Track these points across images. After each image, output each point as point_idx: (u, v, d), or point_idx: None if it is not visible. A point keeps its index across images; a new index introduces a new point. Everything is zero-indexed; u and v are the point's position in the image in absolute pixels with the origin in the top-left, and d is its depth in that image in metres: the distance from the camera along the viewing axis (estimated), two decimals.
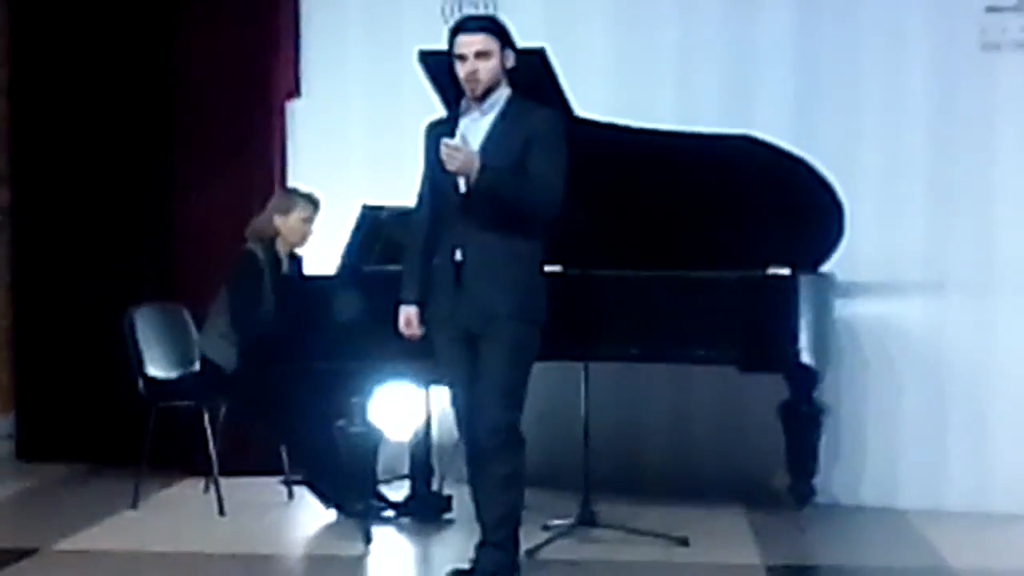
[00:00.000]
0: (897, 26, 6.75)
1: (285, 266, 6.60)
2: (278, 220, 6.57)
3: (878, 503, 6.72)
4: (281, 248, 6.60)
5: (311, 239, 6.66)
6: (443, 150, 5.06)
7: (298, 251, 6.67)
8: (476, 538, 5.30)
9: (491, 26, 5.23)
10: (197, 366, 6.63)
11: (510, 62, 5.23)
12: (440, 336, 5.28)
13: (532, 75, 5.51)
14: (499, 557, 5.23)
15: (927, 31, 6.70)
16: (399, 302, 5.36)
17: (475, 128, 5.21)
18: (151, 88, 7.53)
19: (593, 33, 7.08)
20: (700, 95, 6.94)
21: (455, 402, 5.33)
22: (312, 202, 6.63)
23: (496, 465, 5.19)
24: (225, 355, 6.48)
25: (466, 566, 5.30)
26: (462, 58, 5.18)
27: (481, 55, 5.16)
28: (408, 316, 5.35)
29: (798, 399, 6.30)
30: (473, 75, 5.16)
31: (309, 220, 6.62)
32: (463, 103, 5.27)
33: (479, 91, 5.18)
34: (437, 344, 5.30)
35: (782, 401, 6.33)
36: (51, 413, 7.74)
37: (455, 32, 5.22)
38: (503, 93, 5.23)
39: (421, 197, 5.37)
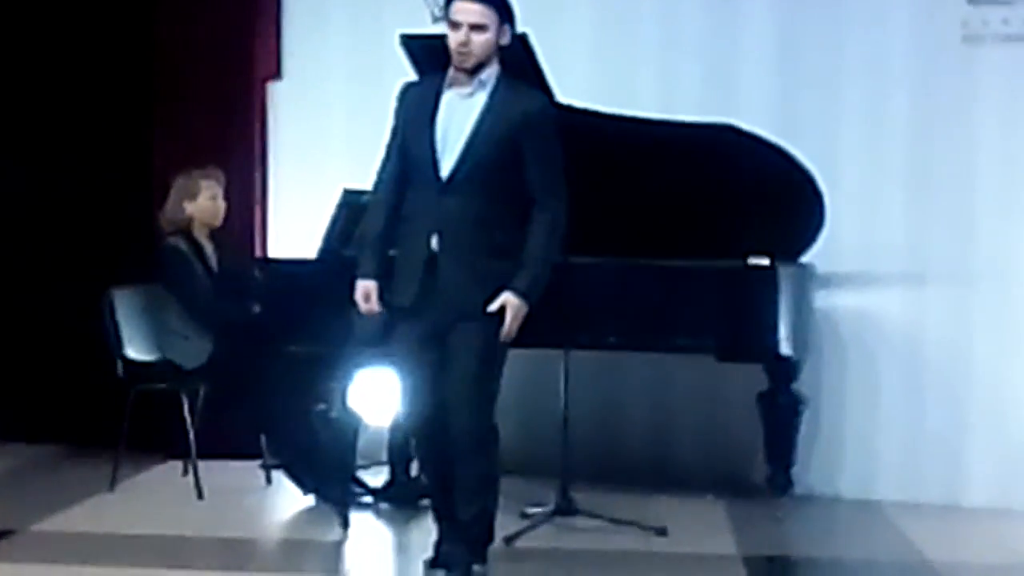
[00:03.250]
0: (879, 17, 6.75)
1: (209, 250, 6.57)
2: (188, 206, 6.55)
3: (855, 494, 6.74)
4: (199, 233, 6.56)
5: (223, 213, 6.64)
6: (505, 336, 4.87)
7: (215, 225, 6.62)
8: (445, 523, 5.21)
9: None
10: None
11: (506, 39, 4.95)
12: (402, 327, 5.04)
13: (514, 60, 5.45)
14: (471, 551, 5.09)
15: (909, 23, 6.70)
16: (354, 277, 5.06)
17: (463, 107, 4.95)
18: (131, 69, 7.48)
19: (575, 19, 7.05)
20: (682, 83, 6.93)
21: (411, 394, 5.08)
22: (214, 178, 6.61)
23: (470, 466, 4.99)
24: (182, 351, 6.45)
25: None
26: (456, 25, 4.89)
27: (476, 27, 4.87)
28: (367, 290, 5.03)
29: (777, 389, 6.33)
30: (464, 47, 4.88)
31: (217, 196, 6.61)
32: (449, 73, 4.98)
33: (469, 65, 4.91)
34: (397, 332, 5.06)
35: (761, 391, 6.35)
36: (28, 394, 7.68)
37: None
38: (493, 71, 4.96)
39: (386, 162, 5.09)
